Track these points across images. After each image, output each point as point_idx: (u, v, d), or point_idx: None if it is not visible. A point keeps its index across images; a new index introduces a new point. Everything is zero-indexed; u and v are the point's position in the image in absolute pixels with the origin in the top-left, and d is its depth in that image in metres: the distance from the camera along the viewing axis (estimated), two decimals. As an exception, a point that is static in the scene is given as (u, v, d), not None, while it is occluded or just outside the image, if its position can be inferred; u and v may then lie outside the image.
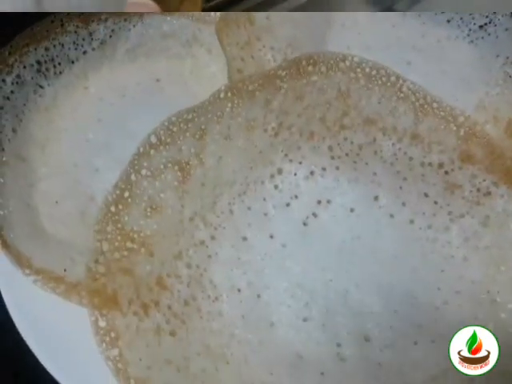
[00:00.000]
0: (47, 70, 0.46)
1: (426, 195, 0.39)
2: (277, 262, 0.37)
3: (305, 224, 0.39)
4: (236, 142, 0.38)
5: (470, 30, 0.49)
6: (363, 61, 0.39)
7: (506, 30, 0.47)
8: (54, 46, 0.46)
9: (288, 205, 0.39)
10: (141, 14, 0.49)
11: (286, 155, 0.40)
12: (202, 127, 0.36)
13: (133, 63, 0.50)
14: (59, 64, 0.47)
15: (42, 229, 0.39)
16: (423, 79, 0.49)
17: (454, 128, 0.39)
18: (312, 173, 0.40)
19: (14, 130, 0.43)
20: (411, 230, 0.38)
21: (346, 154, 0.40)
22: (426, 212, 0.38)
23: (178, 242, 0.36)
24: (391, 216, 0.39)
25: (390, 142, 0.40)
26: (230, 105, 0.37)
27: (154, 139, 0.35)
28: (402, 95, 0.40)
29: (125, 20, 0.49)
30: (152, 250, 0.35)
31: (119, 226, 0.34)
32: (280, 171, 0.40)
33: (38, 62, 0.46)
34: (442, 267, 0.37)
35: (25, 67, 0.44)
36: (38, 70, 0.46)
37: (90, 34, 0.48)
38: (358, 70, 0.39)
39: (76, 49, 0.47)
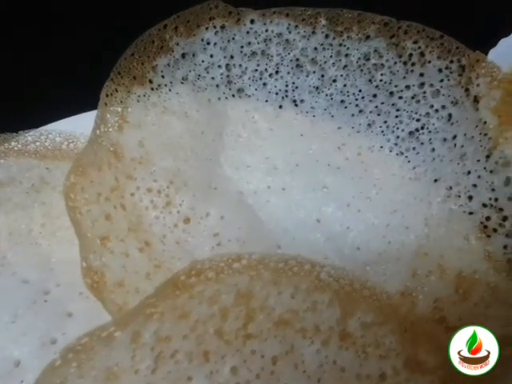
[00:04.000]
0: None
1: (370, 426, 0.29)
2: None
3: None
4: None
5: (398, 137, 0.39)
6: (265, 256, 0.28)
7: (445, 140, 0.37)
8: None
9: None
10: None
11: (172, 396, 0.28)
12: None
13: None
14: None
15: None
16: (344, 212, 0.39)
17: (395, 322, 0.29)
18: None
19: None
20: None
21: (257, 376, 0.29)
22: None
23: None
24: None
25: (313, 347, 0.29)
26: (75, 364, 0.25)
27: None
28: (321, 284, 0.29)
29: None
30: None
31: None
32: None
33: None
34: None
35: None
36: None
37: None
38: (260, 266, 0.28)
39: None
